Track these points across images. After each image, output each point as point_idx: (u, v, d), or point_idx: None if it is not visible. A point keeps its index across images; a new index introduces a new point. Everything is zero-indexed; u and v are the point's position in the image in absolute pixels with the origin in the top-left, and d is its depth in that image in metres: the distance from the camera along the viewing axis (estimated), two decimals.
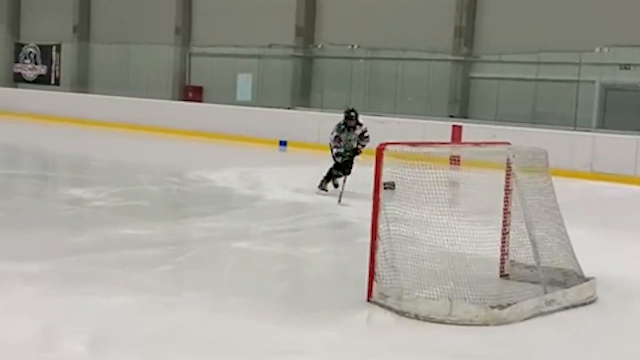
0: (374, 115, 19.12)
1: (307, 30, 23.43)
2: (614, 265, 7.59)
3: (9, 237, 7.84)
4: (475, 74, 20.92)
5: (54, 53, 28.88)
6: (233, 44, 24.15)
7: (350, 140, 11.42)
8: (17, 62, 29.99)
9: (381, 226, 6.14)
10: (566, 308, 6.07)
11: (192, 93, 25.26)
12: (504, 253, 6.92)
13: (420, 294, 5.82)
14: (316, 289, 6.58)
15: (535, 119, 18.60)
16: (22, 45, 29.93)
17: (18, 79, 29.86)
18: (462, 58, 20.74)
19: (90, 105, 24.02)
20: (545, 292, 6.09)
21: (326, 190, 11.52)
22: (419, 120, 18.34)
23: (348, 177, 11.34)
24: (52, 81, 28.82)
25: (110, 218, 9.12)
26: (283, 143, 19.70)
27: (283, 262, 7.55)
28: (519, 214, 6.62)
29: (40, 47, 29.28)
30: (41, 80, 29.10)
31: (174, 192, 12.08)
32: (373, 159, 6.22)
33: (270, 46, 23.53)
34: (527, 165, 6.81)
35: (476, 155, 6.87)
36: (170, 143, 19.36)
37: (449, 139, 16.49)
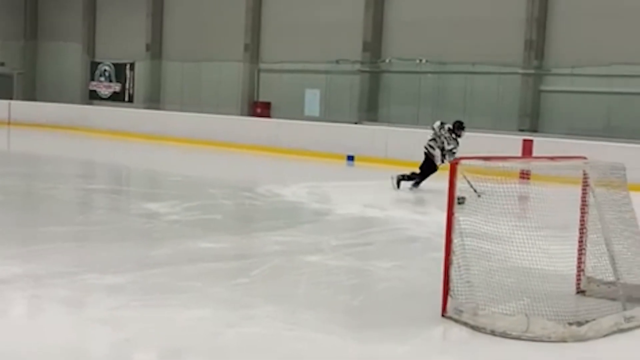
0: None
1: (374, 45, 23.52)
2: None
3: (90, 250, 8.11)
4: (546, 87, 20.66)
5: (127, 71, 29.68)
6: (301, 60, 24.41)
7: (448, 149, 13.43)
8: (92, 80, 30.89)
9: (455, 241, 6.14)
10: None
11: (261, 109, 25.59)
12: (580, 269, 6.83)
13: (496, 310, 5.79)
14: (389, 303, 6.60)
15: (609, 132, 18.26)
16: (98, 64, 30.83)
17: (94, 96, 30.76)
18: (532, 71, 20.52)
19: (163, 121, 24.53)
20: (624, 309, 5.98)
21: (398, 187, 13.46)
22: (489, 135, 18.18)
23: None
24: (126, 98, 29.60)
25: (186, 232, 9.32)
26: (351, 158, 19.78)
27: (355, 276, 7.60)
28: (596, 229, 6.54)
29: (115, 65, 30.13)
30: (116, 98, 29.92)
31: (246, 206, 12.26)
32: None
33: (337, 62, 23.69)
34: (605, 180, 6.71)
35: (552, 170, 6.81)
36: (241, 158, 19.67)
37: (519, 154, 16.32)
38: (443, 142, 13.66)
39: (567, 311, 5.86)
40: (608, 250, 6.37)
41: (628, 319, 5.91)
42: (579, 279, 6.85)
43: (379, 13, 23.39)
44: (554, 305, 5.87)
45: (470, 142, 18.10)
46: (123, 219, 10.44)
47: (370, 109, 23.59)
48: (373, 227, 10.55)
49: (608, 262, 6.39)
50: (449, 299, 6.00)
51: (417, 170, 13.91)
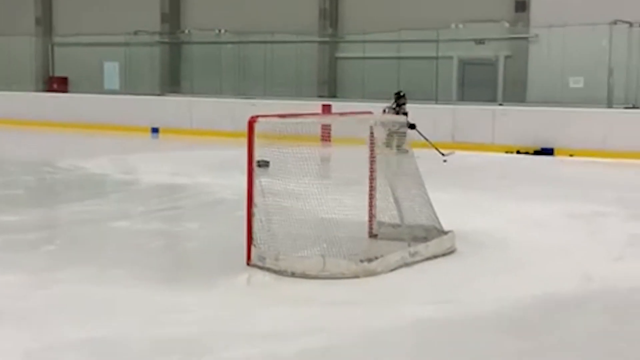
0: (245, 98, 19.50)
1: (172, 16, 23.44)
2: (472, 220, 8.29)
3: None
4: (341, 54, 21.58)
5: None
6: (97, 32, 23.80)
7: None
8: None
9: (257, 197, 6.52)
10: (428, 259, 6.65)
11: (57, 84, 24.73)
12: (371, 215, 7.47)
13: (296, 255, 6.25)
14: (197, 259, 6.91)
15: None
16: None
17: None
18: (327, 39, 21.35)
19: None
20: (409, 246, 6.65)
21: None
22: (289, 102, 18.77)
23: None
24: None
25: None
26: (155, 130, 19.77)
27: (164, 237, 7.82)
28: (383, 180, 7.18)
29: None
30: None
31: (48, 180, 12.01)
32: None
33: (135, 33, 23.35)
34: (389, 134, 7.34)
35: (343, 125, 7.37)
36: (39, 135, 19.00)
37: None
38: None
39: (359, 251, 6.44)
40: (394, 197, 7.02)
41: (413, 254, 6.57)
42: (371, 225, 7.48)
43: None
44: (348, 248, 6.43)
45: (271, 110, 18.68)
46: None
47: (173, 81, 23.53)
48: (181, 193, 10.74)
49: (394, 208, 7.05)
50: (253, 248, 6.38)
51: None
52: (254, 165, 6.60)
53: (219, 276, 6.05)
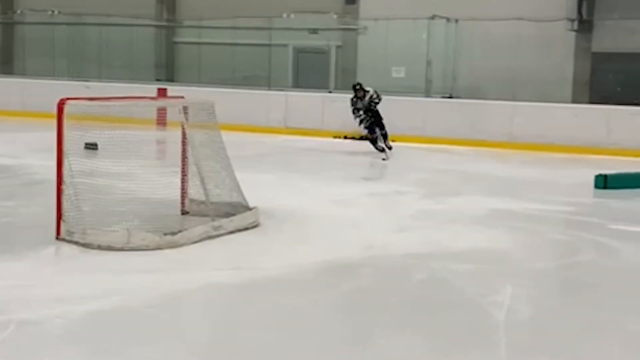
0: (80, 80, 19.38)
1: None
2: (283, 199, 8.95)
3: None
4: (179, 39, 21.83)
5: None
6: None
7: (364, 105, 13.91)
8: None
9: (67, 175, 6.87)
10: (232, 232, 7.23)
11: None
12: (183, 193, 7.97)
13: (103, 229, 6.65)
14: (10, 233, 7.16)
15: (235, 81, 19.93)
16: None
17: None
18: (164, 23, 21.53)
19: None
20: (213, 220, 7.20)
21: (383, 150, 13.86)
22: (125, 84, 18.86)
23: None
24: None
25: None
26: None
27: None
28: (194, 160, 7.68)
29: None
30: None
31: None
32: None
33: None
34: (198, 117, 7.84)
35: (151, 108, 7.80)
36: None
37: None
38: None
39: (166, 226, 6.92)
40: (200, 177, 7.54)
41: (216, 228, 7.13)
42: (183, 202, 7.97)
43: None
44: (157, 223, 6.91)
45: (107, 93, 18.72)
46: None
47: (5, 62, 22.94)
48: (3, 173, 10.78)
49: (201, 186, 7.58)
50: (62, 223, 6.73)
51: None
52: (64, 146, 6.92)
53: (29, 249, 6.37)
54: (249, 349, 4.45)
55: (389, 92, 17.69)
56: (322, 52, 20.23)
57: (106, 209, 7.07)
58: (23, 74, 21.67)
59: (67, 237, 6.63)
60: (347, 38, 19.80)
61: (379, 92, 14.23)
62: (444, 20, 17.90)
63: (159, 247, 6.56)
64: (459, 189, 10.40)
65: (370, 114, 14.04)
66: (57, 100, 6.92)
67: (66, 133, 6.87)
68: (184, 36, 21.76)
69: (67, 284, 5.51)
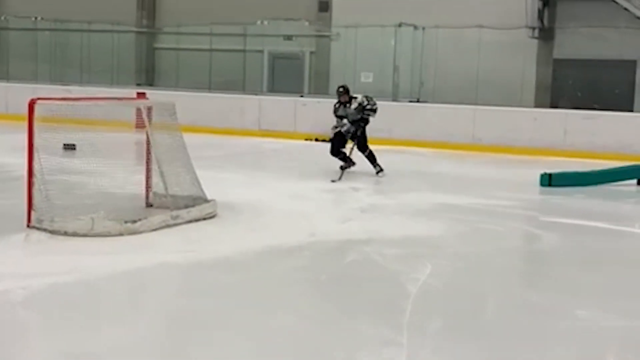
0: (62, 85, 20.01)
1: None
2: (243, 194, 9.63)
3: None
4: (158, 45, 22.53)
5: None
6: None
7: (349, 114, 11.67)
8: None
9: (37, 168, 7.53)
10: (190, 222, 7.90)
11: None
12: (147, 188, 8.64)
13: (70, 218, 7.32)
14: None
15: (212, 85, 20.63)
16: None
17: None
18: (145, 30, 22.22)
19: None
20: (171, 210, 7.88)
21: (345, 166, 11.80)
22: (107, 89, 19.52)
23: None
24: None
25: None
26: None
27: None
28: (156, 158, 8.37)
29: None
30: None
31: None
32: None
33: None
34: (161, 116, 8.51)
35: (117, 107, 8.49)
36: None
37: None
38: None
39: (130, 216, 7.59)
40: (161, 172, 8.22)
41: (174, 217, 7.80)
42: (147, 196, 8.65)
43: None
44: (121, 214, 7.59)
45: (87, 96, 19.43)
46: None
47: None
48: None
49: (162, 181, 8.26)
50: (33, 213, 7.39)
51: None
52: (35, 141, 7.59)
53: (1, 235, 7.02)
54: (190, 313, 5.13)
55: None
56: (297, 58, 20.96)
57: (76, 201, 7.77)
58: (6, 78, 22.27)
59: (37, 225, 7.29)
60: (321, 44, 20.54)
61: (371, 98, 12.01)
62: (410, 28, 18.66)
63: (120, 234, 7.22)
64: (412, 186, 11.10)
65: (359, 125, 11.83)
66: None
67: (43, 134, 7.57)
68: (164, 42, 22.46)
69: (33, 263, 6.17)
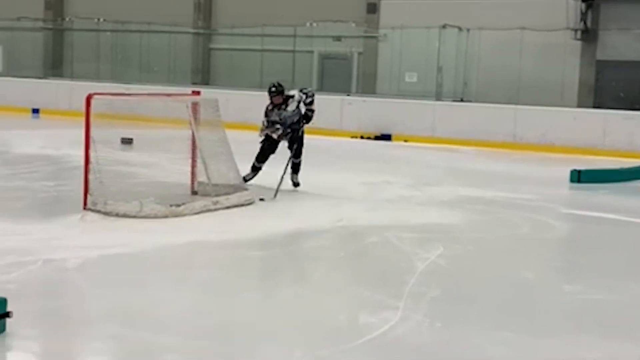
0: (121, 84, 21.08)
1: (56, 4, 24.76)
2: (284, 185, 10.34)
3: None
4: (214, 46, 23.49)
5: None
6: None
7: (286, 118, 9.88)
8: None
9: (93, 157, 8.38)
10: (229, 207, 8.66)
11: None
12: (192, 177, 9.44)
13: (121, 201, 8.16)
14: (46, 205, 8.71)
15: (264, 84, 21.36)
16: None
17: None
18: (201, 31, 23.20)
19: None
20: (212, 197, 8.66)
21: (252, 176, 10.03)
22: (163, 87, 20.49)
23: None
24: None
25: None
26: (36, 111, 21.11)
27: (23, 191, 9.51)
28: (200, 150, 9.18)
29: None
30: None
31: None
32: None
33: (18, 19, 24.53)
34: (206, 112, 9.30)
35: (170, 105, 9.34)
36: None
37: None
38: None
39: (174, 201, 8.40)
40: (205, 163, 9.02)
41: (215, 203, 8.58)
42: (192, 184, 9.45)
43: None
44: (167, 199, 8.41)
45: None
46: None
47: (55, 65, 24.86)
48: (45, 161, 12.38)
49: (205, 171, 9.06)
50: (88, 196, 8.24)
51: None
52: (107, 139, 8.47)
53: (60, 215, 7.89)
54: (222, 280, 5.90)
55: (402, 96, 19.15)
56: (345, 58, 21.65)
57: (129, 188, 8.65)
58: (71, 76, 23.50)
59: (92, 207, 8.13)
60: (368, 45, 21.19)
61: (306, 89, 10.22)
62: (455, 29, 19.19)
63: (165, 216, 8.03)
64: (443, 180, 11.69)
65: (299, 125, 10.05)
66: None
67: (101, 129, 8.44)
68: (219, 43, 23.39)
69: (87, 238, 7.00)
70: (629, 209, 9.77)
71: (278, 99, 9.86)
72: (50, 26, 24.76)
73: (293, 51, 21.44)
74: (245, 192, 9.03)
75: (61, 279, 5.77)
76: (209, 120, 9.27)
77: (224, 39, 23.32)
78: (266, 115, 9.98)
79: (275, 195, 9.44)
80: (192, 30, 23.25)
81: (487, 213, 9.03)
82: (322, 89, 21.31)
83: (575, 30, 18.47)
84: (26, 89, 21.78)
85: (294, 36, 21.20)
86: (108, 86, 21.05)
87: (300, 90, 10.07)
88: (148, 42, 23.50)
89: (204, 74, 23.37)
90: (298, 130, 10.10)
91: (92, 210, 8.11)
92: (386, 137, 17.96)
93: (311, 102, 9.93)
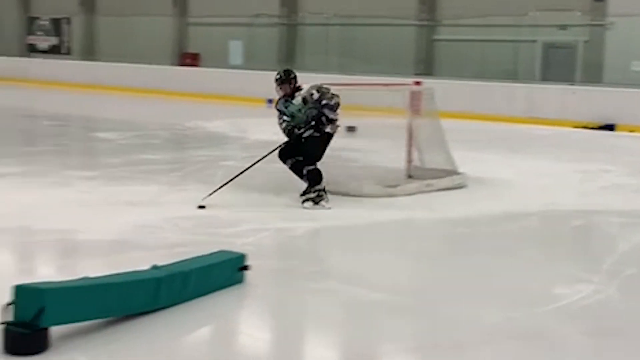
0: (348, 75, 22.22)
1: (290, 1, 26.47)
2: (498, 171, 10.74)
3: (70, 160, 11.03)
4: (437, 37, 24.02)
5: (64, 25, 31.86)
6: (225, 15, 27.13)
7: (293, 113, 8.46)
8: (30, 34, 32.92)
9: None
10: (441, 190, 9.21)
11: (190, 59, 28.24)
12: (408, 162, 10.09)
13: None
14: (275, 185, 9.75)
15: (485, 74, 21.66)
16: (35, 19, 32.85)
17: (32, 50, 32.83)
18: (425, 22, 23.83)
19: (98, 71, 27.00)
20: (425, 180, 9.27)
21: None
22: (387, 78, 21.33)
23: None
24: (65, 51, 31.82)
25: (133, 149, 12.31)
26: (270, 101, 22.73)
27: (255, 172, 10.62)
28: (416, 136, 9.82)
29: (53, 20, 32.24)
30: (54, 50, 32.11)
31: (178, 135, 15.25)
32: None
33: (258, 15, 26.53)
34: (424, 103, 9.91)
35: (383, 93, 10.07)
36: (173, 103, 22.46)
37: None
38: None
39: (390, 183, 9.10)
40: (420, 149, 9.65)
41: (428, 185, 9.18)
42: (408, 169, 10.10)
43: None
44: (384, 181, 9.13)
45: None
46: (86, 142, 13.39)
47: (288, 59, 26.60)
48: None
49: (420, 157, 9.69)
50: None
51: None
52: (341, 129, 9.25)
53: (289, 192, 8.85)
54: (424, 251, 6.49)
55: (629, 85, 18.59)
56: (570, 47, 21.31)
57: (351, 172, 9.49)
58: (303, 68, 25.04)
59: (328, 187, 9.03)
60: (594, 33, 20.71)
61: (326, 91, 8.35)
62: None
63: (382, 196, 8.75)
64: None
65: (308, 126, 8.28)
66: None
67: None
68: (442, 34, 23.88)
69: (311, 212, 7.86)
70: None
71: (285, 89, 8.43)
72: (284, 22, 26.50)
73: (516, 41, 21.45)
74: (457, 176, 9.53)
75: (290, 244, 6.66)
76: (425, 109, 9.87)
77: (447, 29, 23.77)
78: (278, 104, 8.68)
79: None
80: (416, 22, 23.93)
81: None
82: (545, 78, 21.17)
83: None
84: (262, 80, 23.49)
85: (518, 26, 21.20)
86: (335, 77, 22.31)
87: (318, 90, 8.39)
88: (373, 35, 24.50)
89: (427, 65, 23.96)
90: (300, 135, 8.29)
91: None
92: (610, 127, 17.55)
93: (332, 108, 8.21)
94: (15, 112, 18.30)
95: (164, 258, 5.15)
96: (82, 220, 6.97)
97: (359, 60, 24.45)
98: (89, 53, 30.79)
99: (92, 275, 4.49)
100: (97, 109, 20.58)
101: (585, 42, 21.02)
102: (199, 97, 23.13)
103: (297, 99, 8.39)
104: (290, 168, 8.56)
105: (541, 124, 18.22)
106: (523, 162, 12.12)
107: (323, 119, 8.22)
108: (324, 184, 8.20)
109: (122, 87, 25.08)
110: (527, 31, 21.52)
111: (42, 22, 32.67)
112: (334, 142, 8.44)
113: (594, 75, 20.40)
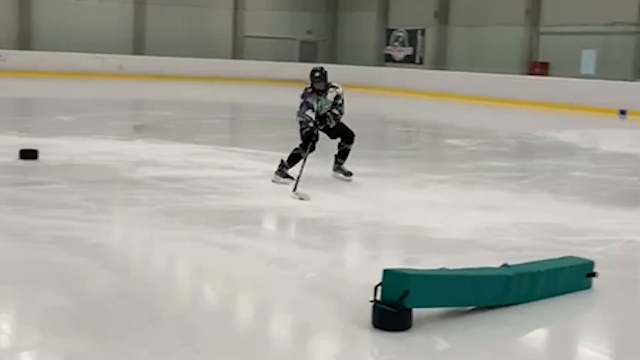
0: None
1: None
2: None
3: (422, 163, 11.81)
4: None
5: (419, 36, 33.44)
6: (578, 23, 26.50)
7: (322, 107, 9.03)
8: (387, 44, 35.05)
9: None
10: None
11: (539, 68, 28.04)
12: None
13: None
14: (626, 197, 9.49)
15: None
16: (392, 30, 34.89)
17: (388, 60, 34.91)
18: None
19: (448, 80, 27.96)
20: None
21: (289, 177, 8.88)
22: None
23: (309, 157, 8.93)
24: (417, 61, 33.40)
25: (481, 156, 12.74)
26: (623, 112, 21.80)
27: (606, 184, 10.46)
28: None
29: (408, 31, 34.01)
30: (408, 60, 33.84)
31: (525, 143, 15.39)
32: None
33: (613, 24, 25.51)
34: None
35: None
36: (522, 112, 22.58)
37: None
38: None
39: None
40: None
41: None
42: None
43: None
44: None
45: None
46: (437, 147, 14.17)
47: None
48: (631, 158, 13.11)
49: None
50: None
51: None
52: None
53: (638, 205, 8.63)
54: None
55: None
56: None
57: None
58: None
59: None
60: None
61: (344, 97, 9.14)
62: None
63: None
64: None
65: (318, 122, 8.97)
66: None
67: None
68: None
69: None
70: None
71: (321, 85, 8.98)
72: None
73: None
74: None
75: (637, 257, 6.56)
76: None
77: None
78: (303, 96, 9.02)
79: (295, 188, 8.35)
80: None
81: None
82: None
83: None
84: (614, 90, 22.65)
85: None
86: None
87: (340, 95, 9.11)
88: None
89: None
90: (332, 117, 9.04)
91: None
92: None
93: (341, 104, 9.13)
94: (370, 118, 19.67)
95: (513, 259, 5.42)
96: (434, 220, 7.47)
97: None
98: (440, 62, 31.93)
99: (449, 267, 4.93)
100: (446, 116, 21.46)
101: None
102: (548, 107, 22.96)
103: (329, 97, 9.05)
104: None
105: None
106: None
107: (335, 112, 9.06)
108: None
109: (472, 95, 25.71)
110: None
111: (398, 34, 34.57)
112: None
113: None
